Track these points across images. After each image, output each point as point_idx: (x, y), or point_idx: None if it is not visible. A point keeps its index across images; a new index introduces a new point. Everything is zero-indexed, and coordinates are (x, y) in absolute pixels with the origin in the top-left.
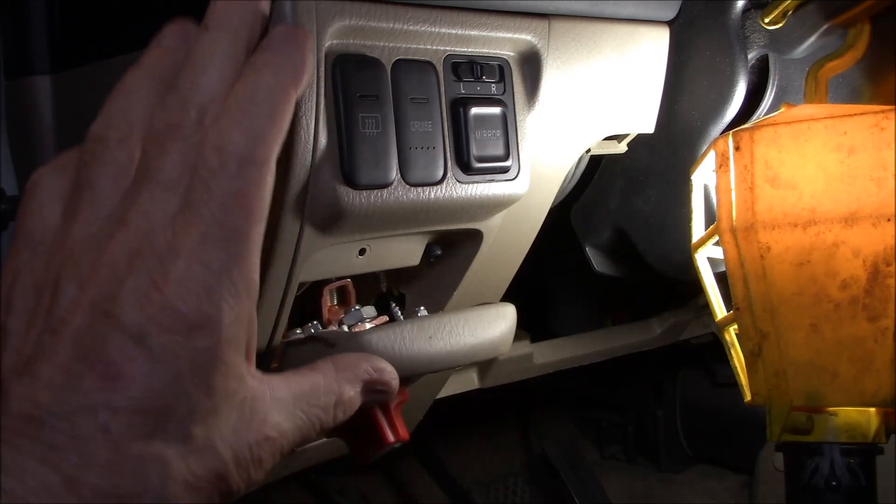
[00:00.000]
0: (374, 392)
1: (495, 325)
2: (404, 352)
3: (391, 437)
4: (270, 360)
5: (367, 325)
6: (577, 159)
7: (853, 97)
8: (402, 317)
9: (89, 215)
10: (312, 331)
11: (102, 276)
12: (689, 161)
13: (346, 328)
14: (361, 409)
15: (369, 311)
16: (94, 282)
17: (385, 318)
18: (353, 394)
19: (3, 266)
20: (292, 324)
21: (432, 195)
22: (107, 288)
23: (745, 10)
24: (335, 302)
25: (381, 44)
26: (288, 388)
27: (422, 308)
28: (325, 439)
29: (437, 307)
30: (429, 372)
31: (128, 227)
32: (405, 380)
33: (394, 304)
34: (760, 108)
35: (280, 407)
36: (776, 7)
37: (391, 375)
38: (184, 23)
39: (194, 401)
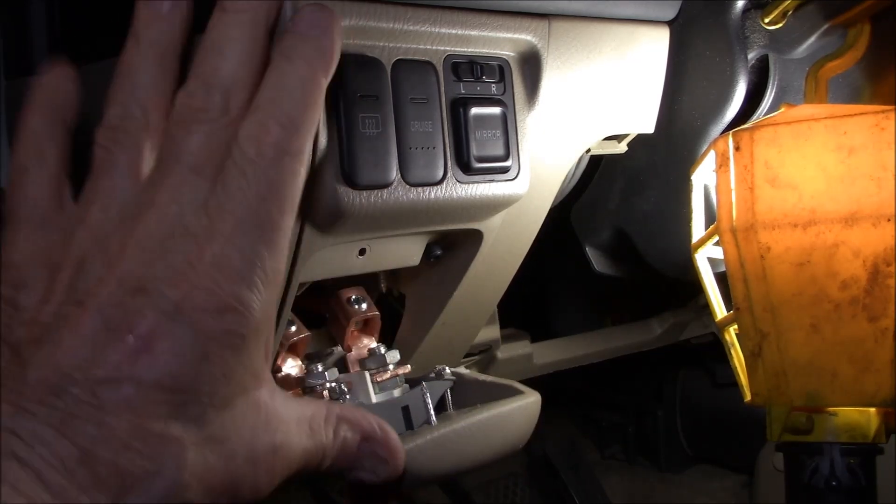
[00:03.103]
0: (376, 458)
1: (522, 423)
2: (434, 464)
3: None
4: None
5: (389, 373)
6: (577, 159)
7: (853, 97)
8: (427, 396)
9: (108, 198)
10: (333, 354)
11: (133, 255)
12: (689, 161)
13: (367, 374)
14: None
15: (393, 356)
16: (123, 260)
17: (408, 368)
18: (349, 436)
19: (3, 245)
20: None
21: (432, 195)
22: (138, 266)
23: (745, 10)
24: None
25: (381, 44)
26: (296, 407)
27: (446, 368)
28: None
29: (437, 307)
30: (450, 476)
31: (156, 207)
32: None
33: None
34: (760, 108)
35: (289, 422)
36: (776, 7)
37: (397, 449)
38: None
39: (215, 386)
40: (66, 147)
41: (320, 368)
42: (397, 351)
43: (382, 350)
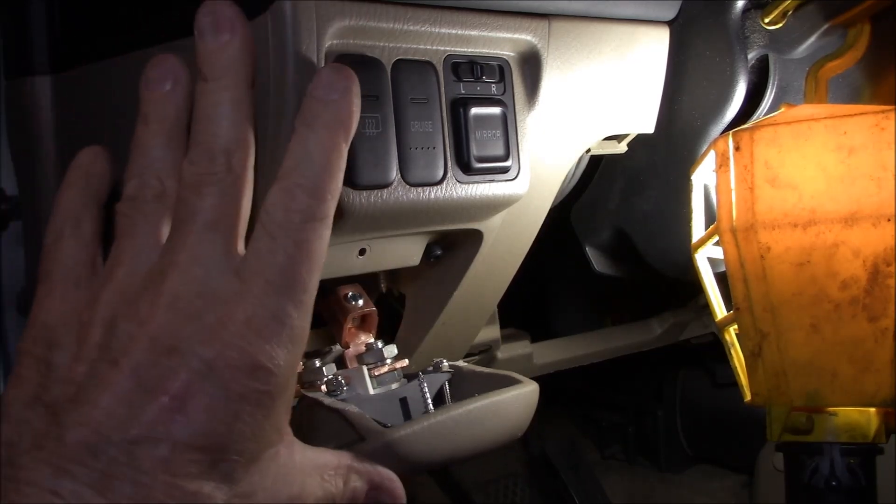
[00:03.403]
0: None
1: (520, 411)
2: (431, 450)
3: None
4: None
5: (387, 367)
6: (577, 159)
7: (853, 97)
8: (425, 386)
9: (132, 260)
10: (332, 352)
11: (163, 315)
12: (689, 161)
13: (365, 368)
14: None
15: (391, 350)
16: (153, 320)
17: (405, 362)
18: (358, 486)
19: (35, 305)
20: None
21: (432, 195)
22: (169, 326)
23: (745, 10)
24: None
25: (381, 44)
26: (311, 457)
27: (444, 361)
28: None
29: (437, 307)
30: (448, 463)
31: (180, 267)
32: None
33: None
34: (760, 108)
35: (305, 472)
36: (776, 7)
37: (400, 493)
38: (166, 63)
39: (245, 444)
40: (99, 220)
41: (318, 364)
42: (394, 345)
43: (380, 345)
